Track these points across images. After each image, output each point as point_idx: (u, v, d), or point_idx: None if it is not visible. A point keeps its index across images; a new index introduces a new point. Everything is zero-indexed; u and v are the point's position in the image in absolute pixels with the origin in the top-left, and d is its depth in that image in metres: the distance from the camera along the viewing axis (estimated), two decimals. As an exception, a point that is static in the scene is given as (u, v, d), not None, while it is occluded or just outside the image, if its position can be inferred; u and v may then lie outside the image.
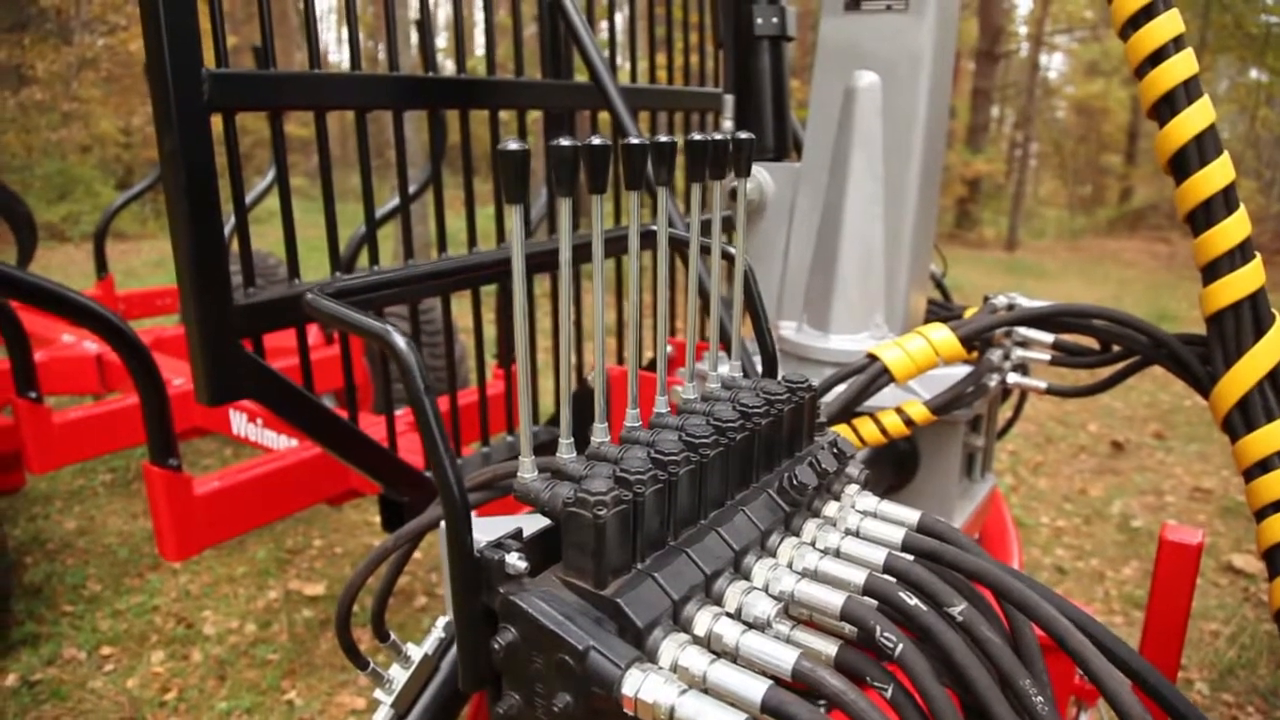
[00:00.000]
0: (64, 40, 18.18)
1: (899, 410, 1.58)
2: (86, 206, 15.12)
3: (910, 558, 0.91)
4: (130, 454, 4.98)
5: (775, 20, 1.87)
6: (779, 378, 1.04)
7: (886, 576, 0.86)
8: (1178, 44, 1.34)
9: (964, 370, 1.66)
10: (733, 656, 0.75)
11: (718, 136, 0.94)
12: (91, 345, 3.96)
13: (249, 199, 5.04)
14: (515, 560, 0.76)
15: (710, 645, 0.76)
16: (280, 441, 3.20)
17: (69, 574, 3.78)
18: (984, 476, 1.97)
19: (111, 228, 5.73)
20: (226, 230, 1.71)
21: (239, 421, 3.49)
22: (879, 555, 0.89)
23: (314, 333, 3.93)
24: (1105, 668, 0.78)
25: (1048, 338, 1.70)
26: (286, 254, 1.76)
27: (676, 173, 1.75)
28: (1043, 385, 1.74)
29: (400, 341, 0.75)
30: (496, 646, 0.75)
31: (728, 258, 1.11)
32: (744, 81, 1.92)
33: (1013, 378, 1.75)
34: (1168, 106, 1.35)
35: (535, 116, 2.49)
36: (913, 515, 1.00)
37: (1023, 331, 1.73)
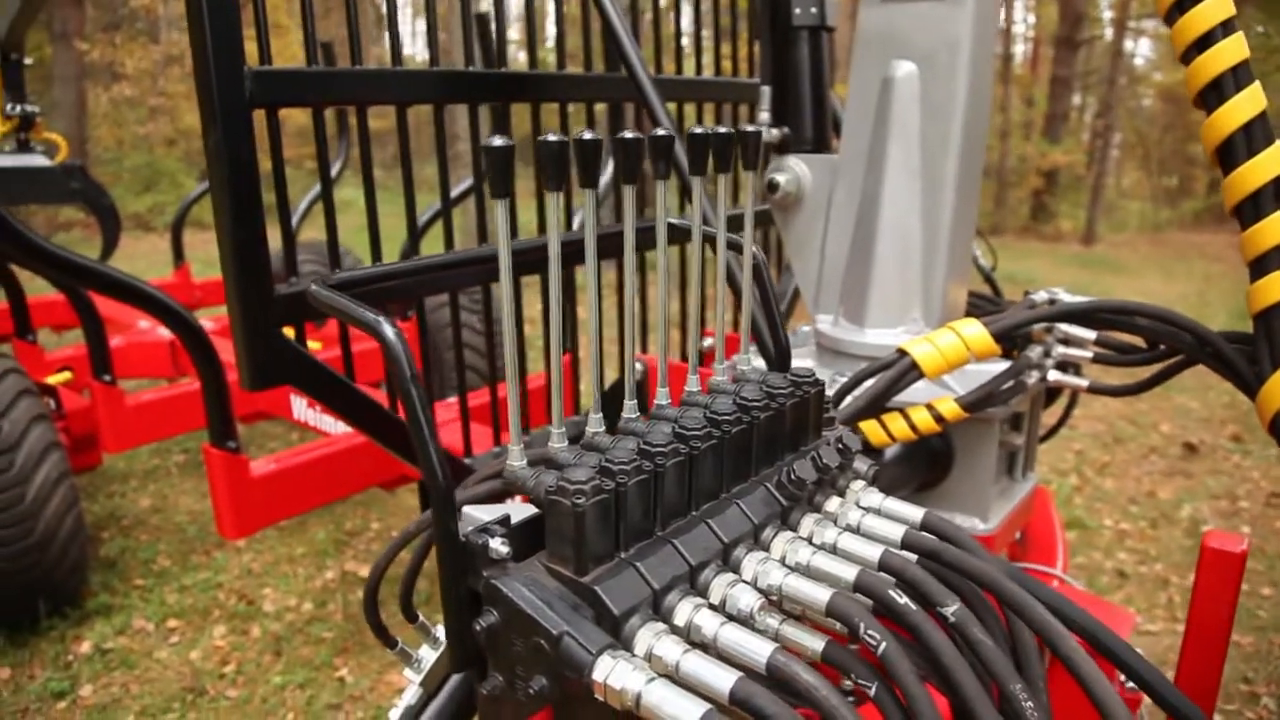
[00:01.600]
0: (152, 39, 18.98)
1: (929, 406, 1.55)
2: (171, 197, 15.76)
3: (908, 555, 0.90)
4: (203, 436, 5.21)
5: (814, 10, 1.85)
6: (787, 372, 1.03)
7: (880, 574, 0.85)
8: (1226, 28, 1.28)
9: (1004, 367, 1.62)
10: (711, 648, 0.76)
11: (721, 130, 0.93)
12: (165, 331, 4.13)
13: (307, 198, 5.20)
14: (498, 545, 0.77)
15: (689, 636, 0.77)
16: (338, 427, 3.30)
17: (141, 549, 3.96)
18: (1025, 476, 1.92)
19: (192, 218, 5.97)
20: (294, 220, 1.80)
21: (299, 406, 3.62)
22: (875, 552, 0.88)
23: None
24: (1095, 675, 0.76)
25: (1090, 335, 1.65)
26: (329, 246, 1.81)
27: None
28: (1084, 383, 1.69)
29: (389, 332, 0.77)
30: (479, 628, 0.77)
31: (734, 246, 1.11)
32: (782, 73, 1.90)
33: (1054, 375, 1.70)
34: (1214, 93, 1.30)
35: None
36: (917, 513, 0.98)
37: (1065, 328, 1.68)
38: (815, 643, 0.82)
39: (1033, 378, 1.65)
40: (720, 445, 0.88)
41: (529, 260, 1.86)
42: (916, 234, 1.75)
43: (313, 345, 4.24)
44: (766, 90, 1.89)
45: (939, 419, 1.54)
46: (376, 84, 1.77)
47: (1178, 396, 6.24)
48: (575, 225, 2.88)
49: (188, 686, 3.01)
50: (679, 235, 1.24)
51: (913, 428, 1.56)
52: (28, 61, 5.96)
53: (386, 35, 1.84)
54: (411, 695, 1.41)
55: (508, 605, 0.76)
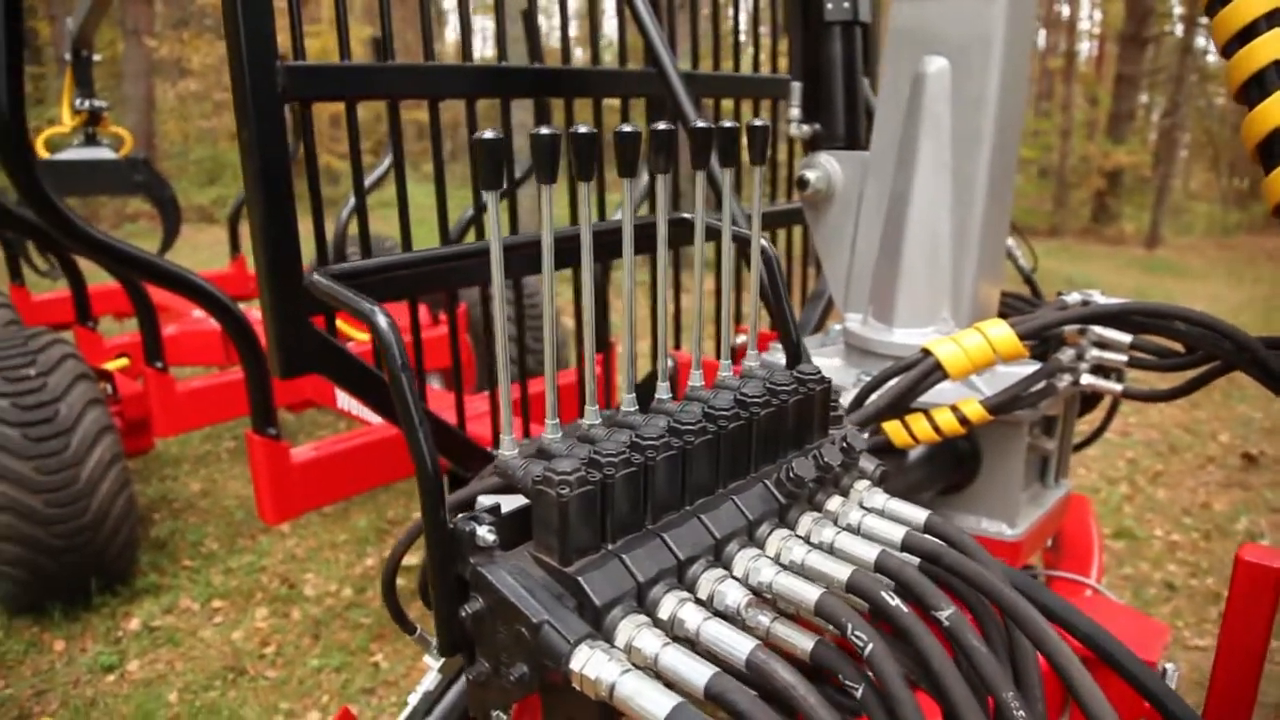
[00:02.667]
0: (218, 35, 19.49)
1: (954, 408, 1.52)
2: (234, 190, 16.18)
3: (905, 557, 0.89)
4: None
5: (847, 5, 1.82)
6: (794, 369, 1.02)
7: (873, 575, 0.84)
8: (1270, 20, 1.24)
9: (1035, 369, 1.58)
10: (694, 643, 0.76)
11: (727, 124, 0.93)
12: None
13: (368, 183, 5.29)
14: (485, 533, 0.78)
15: (673, 630, 0.77)
16: (379, 417, 3.36)
17: (190, 531, 4.08)
18: (1058, 482, 1.88)
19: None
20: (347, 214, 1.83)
21: (343, 395, 3.69)
22: (873, 553, 0.87)
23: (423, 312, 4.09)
24: (1089, 688, 0.74)
25: (1125, 338, 1.60)
26: (360, 238, 1.84)
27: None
28: (1117, 387, 1.64)
29: (382, 321, 0.78)
30: (464, 614, 0.78)
31: (740, 240, 1.10)
32: (814, 68, 1.88)
33: (1087, 379, 1.66)
34: (1257, 87, 1.25)
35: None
36: (920, 515, 0.97)
37: (1099, 332, 1.64)
38: (805, 642, 0.81)
39: (1064, 381, 1.61)
40: (716, 440, 0.87)
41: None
42: (946, 232, 1.72)
43: (360, 337, 4.33)
44: (797, 86, 1.88)
45: (963, 421, 1.51)
46: (408, 79, 1.79)
47: (1239, 406, 6.02)
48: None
49: (229, 665, 3.09)
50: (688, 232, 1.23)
51: (936, 429, 1.53)
52: (97, 58, 6.17)
53: (452, 31, 1.87)
54: (430, 681, 1.43)
55: (492, 592, 0.76)
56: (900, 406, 1.52)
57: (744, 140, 0.96)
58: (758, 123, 0.98)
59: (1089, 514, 2.26)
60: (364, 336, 4.29)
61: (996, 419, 1.63)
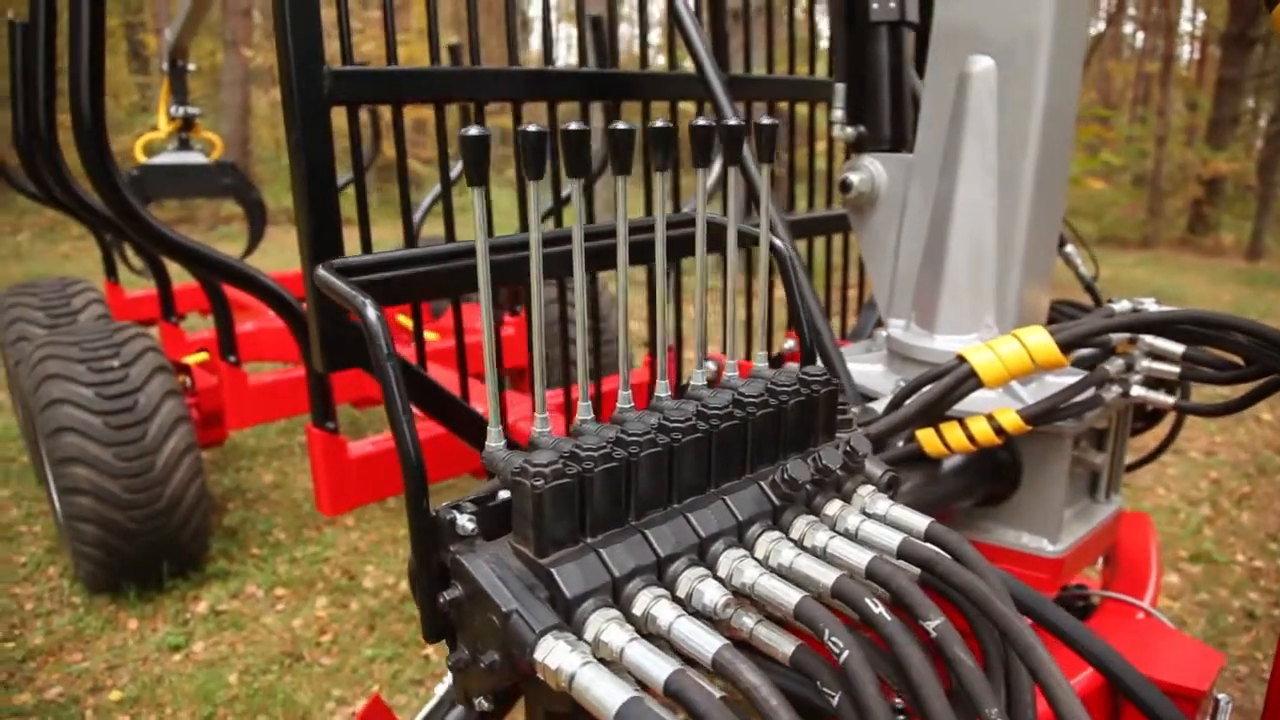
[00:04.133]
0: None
1: (990, 417, 1.48)
2: (320, 195, 16.73)
3: (901, 564, 0.87)
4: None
5: (893, 5, 1.79)
6: (799, 371, 1.01)
7: (859, 581, 0.82)
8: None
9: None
10: (665, 639, 0.75)
11: (701, 122, 0.91)
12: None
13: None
14: (465, 521, 0.80)
15: (645, 626, 0.77)
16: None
17: (260, 521, 4.24)
18: (1109, 498, 1.80)
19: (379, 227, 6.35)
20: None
21: (405, 394, 3.78)
22: (866, 559, 0.85)
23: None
24: (1070, 706, 0.71)
25: (1178, 349, 1.53)
26: (405, 238, 1.89)
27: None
28: (1169, 400, 1.56)
29: (371, 313, 0.80)
30: (442, 601, 0.79)
31: (749, 241, 1.09)
32: (859, 69, 1.85)
33: (1138, 391, 1.58)
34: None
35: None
36: (923, 522, 0.94)
37: (1152, 341, 1.57)
38: (788, 645, 0.80)
39: (1112, 393, 1.54)
40: (708, 439, 0.87)
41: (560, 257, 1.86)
42: (991, 236, 1.67)
43: (430, 336, 4.44)
44: (840, 87, 1.85)
45: (999, 431, 1.46)
46: (453, 83, 1.83)
47: (1341, 427, 5.66)
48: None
49: (287, 651, 3.20)
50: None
51: (971, 438, 1.49)
52: (191, 67, 6.49)
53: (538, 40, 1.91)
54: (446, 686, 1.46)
55: (469, 581, 0.77)
56: (931, 414, 1.48)
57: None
58: (767, 121, 0.97)
59: (1150, 534, 2.16)
60: (433, 336, 4.39)
61: (1036, 430, 1.57)
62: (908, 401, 1.49)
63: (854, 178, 1.86)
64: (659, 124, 0.86)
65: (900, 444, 1.54)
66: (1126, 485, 4.67)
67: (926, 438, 1.51)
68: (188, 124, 6.34)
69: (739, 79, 2.43)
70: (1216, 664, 1.62)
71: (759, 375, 1.03)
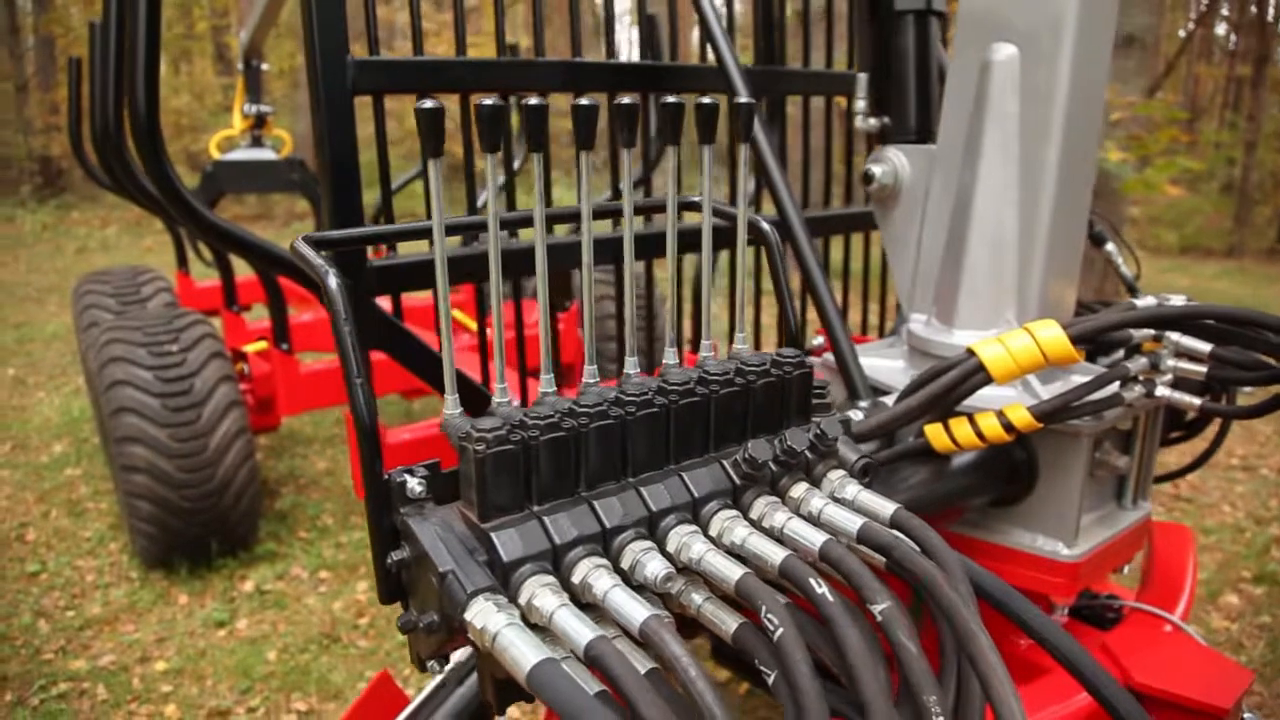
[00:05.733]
0: (388, 46, 20.78)
1: (1000, 413, 1.44)
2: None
3: (859, 547, 0.86)
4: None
5: (919, -7, 1.76)
6: (774, 353, 1.00)
7: (819, 562, 0.81)
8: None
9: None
10: (601, 610, 0.76)
11: (708, 100, 0.92)
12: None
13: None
14: (415, 485, 0.81)
15: (583, 594, 0.77)
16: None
17: (310, 506, 4.37)
18: (1136, 504, 1.73)
19: (404, 209, 6.51)
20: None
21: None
22: (820, 540, 0.84)
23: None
24: (1005, 697, 0.68)
25: (1205, 347, 1.46)
26: (385, 214, 1.94)
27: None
28: (1196, 402, 1.50)
29: (332, 283, 0.83)
30: (390, 562, 0.81)
31: (731, 222, 1.08)
32: (884, 59, 1.82)
33: (1162, 391, 1.52)
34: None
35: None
36: (889, 508, 0.92)
37: (1178, 340, 1.50)
38: (732, 622, 0.80)
39: (1134, 392, 1.49)
40: (665, 414, 0.87)
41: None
42: (1013, 229, 1.62)
43: (464, 319, 4.51)
44: (863, 77, 1.82)
45: (1008, 427, 1.42)
46: (479, 73, 1.86)
47: None
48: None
49: (325, 632, 3.28)
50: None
51: (979, 435, 1.45)
52: (264, 67, 6.72)
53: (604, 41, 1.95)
54: (462, 653, 1.48)
55: (415, 542, 0.79)
56: (938, 408, 1.45)
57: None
58: (744, 100, 0.97)
59: (1189, 548, 2.07)
60: (473, 325, 4.46)
61: (1052, 429, 1.53)
62: (913, 395, 1.46)
63: (876, 169, 1.83)
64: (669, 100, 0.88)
65: (913, 439, 1.52)
66: (1189, 501, 4.48)
67: (934, 433, 1.48)
68: (260, 121, 6.55)
69: (763, 72, 2.41)
70: (1244, 682, 1.54)
71: (736, 358, 1.03)
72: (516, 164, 4.24)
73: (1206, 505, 4.46)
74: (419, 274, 1.84)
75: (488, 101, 0.78)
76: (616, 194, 2.36)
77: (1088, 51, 1.52)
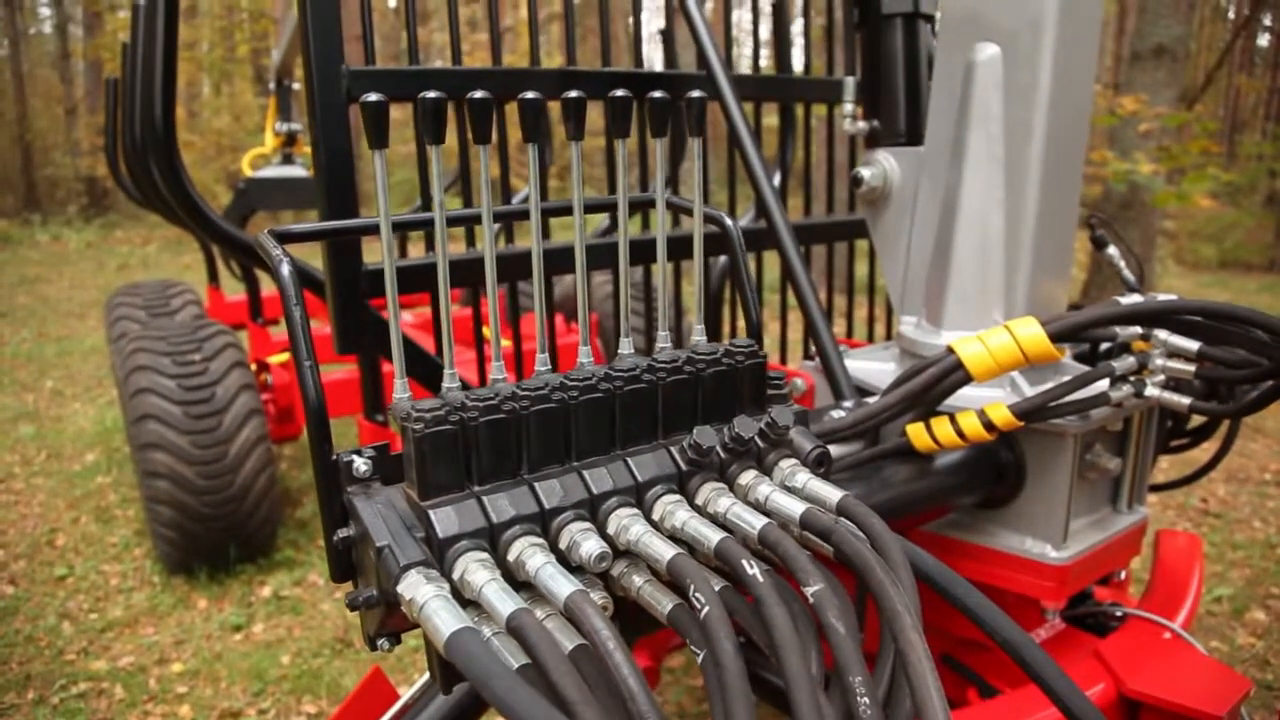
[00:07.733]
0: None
1: (980, 412, 1.43)
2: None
3: (799, 532, 0.86)
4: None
5: (907, -4, 1.77)
6: (727, 344, 1.01)
7: (740, 544, 0.82)
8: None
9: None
10: (533, 587, 0.77)
11: (657, 94, 0.94)
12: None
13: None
14: (361, 464, 0.83)
15: (515, 572, 0.78)
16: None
17: (330, 514, 4.42)
18: (1132, 509, 1.71)
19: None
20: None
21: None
22: (760, 524, 0.85)
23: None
24: (924, 683, 0.68)
25: (1192, 345, 1.45)
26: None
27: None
28: (1185, 402, 1.48)
29: (285, 270, 0.86)
30: (336, 540, 0.83)
31: (712, 218, 1.10)
32: (873, 63, 1.83)
33: (1152, 391, 1.50)
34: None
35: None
36: (836, 495, 0.93)
37: (1165, 337, 1.49)
38: (667, 603, 0.81)
39: (1121, 391, 1.47)
40: (609, 400, 0.88)
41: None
42: (998, 229, 1.62)
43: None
44: (850, 81, 1.83)
45: (989, 426, 1.42)
46: (472, 82, 1.90)
47: None
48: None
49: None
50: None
51: (960, 434, 1.44)
52: (295, 86, 6.88)
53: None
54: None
55: (359, 520, 0.81)
56: (916, 405, 1.45)
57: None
58: (696, 95, 0.99)
59: (1196, 557, 2.03)
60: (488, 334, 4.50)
61: (1037, 429, 1.52)
62: (892, 392, 1.46)
63: (866, 173, 1.84)
64: (619, 94, 0.91)
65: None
66: (1218, 517, 4.38)
67: (915, 432, 1.48)
68: (291, 140, 6.70)
69: (748, 79, 2.43)
70: (1240, 690, 1.51)
71: (692, 349, 1.04)
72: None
73: (1237, 520, 4.36)
74: (414, 278, 1.88)
75: (479, 94, 0.81)
76: (613, 191, 2.40)
77: (1069, 50, 1.52)
